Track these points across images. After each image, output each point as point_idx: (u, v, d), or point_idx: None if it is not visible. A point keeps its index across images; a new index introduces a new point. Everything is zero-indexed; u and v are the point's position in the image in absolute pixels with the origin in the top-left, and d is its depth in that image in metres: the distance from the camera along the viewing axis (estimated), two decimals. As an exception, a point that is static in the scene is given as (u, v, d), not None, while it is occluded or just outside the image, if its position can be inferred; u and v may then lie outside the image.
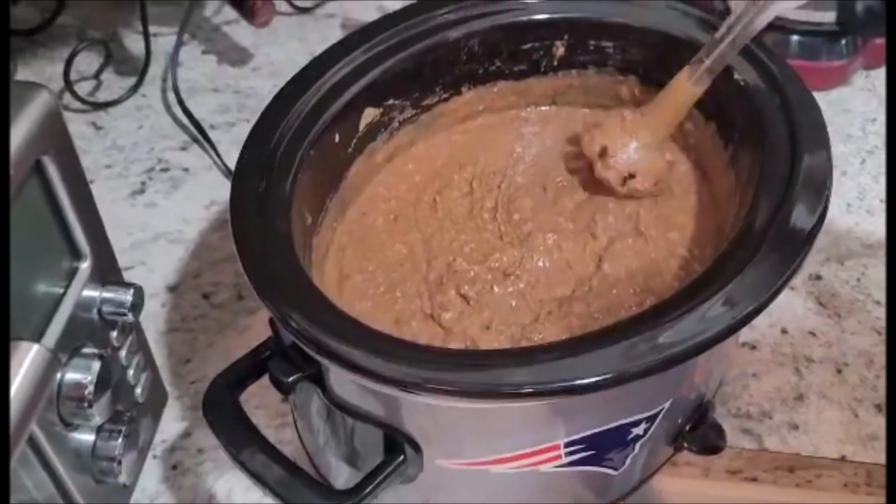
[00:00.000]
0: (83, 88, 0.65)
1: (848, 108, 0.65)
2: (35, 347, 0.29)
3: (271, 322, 0.39)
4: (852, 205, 0.59)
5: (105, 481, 0.38)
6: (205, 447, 0.47)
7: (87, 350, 0.35)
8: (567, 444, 0.37)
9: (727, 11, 0.63)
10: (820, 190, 0.38)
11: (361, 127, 0.45)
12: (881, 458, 0.46)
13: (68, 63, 0.61)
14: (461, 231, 0.45)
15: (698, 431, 0.42)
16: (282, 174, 0.39)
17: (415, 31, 0.46)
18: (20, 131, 0.30)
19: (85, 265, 0.36)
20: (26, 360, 0.29)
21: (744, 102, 0.43)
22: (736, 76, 0.43)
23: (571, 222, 0.44)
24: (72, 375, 0.33)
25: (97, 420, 0.35)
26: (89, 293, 0.36)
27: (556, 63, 0.49)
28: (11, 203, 0.29)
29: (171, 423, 0.47)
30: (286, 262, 0.36)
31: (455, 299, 0.41)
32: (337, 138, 0.43)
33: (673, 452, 0.44)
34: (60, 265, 0.35)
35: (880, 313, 0.53)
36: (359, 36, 0.45)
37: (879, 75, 0.67)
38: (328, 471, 0.43)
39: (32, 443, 0.33)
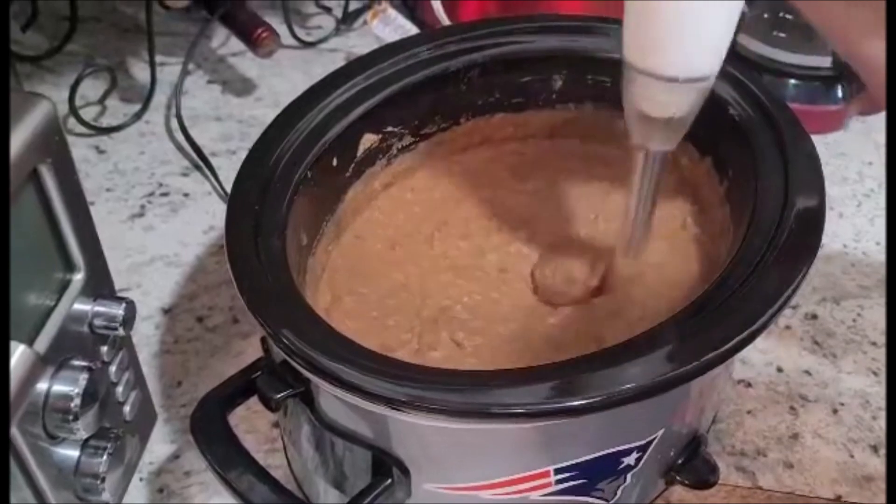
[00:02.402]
0: (88, 114, 0.65)
1: (844, 151, 0.65)
2: (21, 347, 0.29)
3: (262, 341, 0.39)
4: (848, 246, 0.59)
5: (87, 499, 0.37)
6: (192, 470, 0.46)
7: (75, 362, 0.34)
8: (557, 471, 0.36)
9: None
10: (813, 227, 0.38)
11: (360, 152, 0.45)
12: (876, 500, 0.45)
13: (74, 87, 0.62)
14: (459, 275, 0.44)
15: (690, 465, 0.41)
16: (279, 194, 0.40)
17: (415, 61, 0.46)
18: (18, 139, 0.30)
19: (78, 277, 0.35)
20: (12, 359, 0.28)
21: (739, 139, 0.43)
22: (731, 112, 0.44)
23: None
24: (59, 387, 0.33)
25: (82, 434, 0.34)
26: (81, 306, 0.36)
27: (554, 96, 0.49)
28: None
29: (160, 445, 0.47)
30: (279, 279, 0.36)
31: (447, 342, 0.41)
32: (335, 162, 0.44)
33: (665, 487, 0.44)
34: (53, 276, 0.35)
35: (876, 354, 0.52)
36: (360, 63, 0.46)
37: (875, 120, 0.68)
38: (317, 496, 0.42)
39: (15, 454, 0.32)
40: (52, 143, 0.32)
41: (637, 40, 0.34)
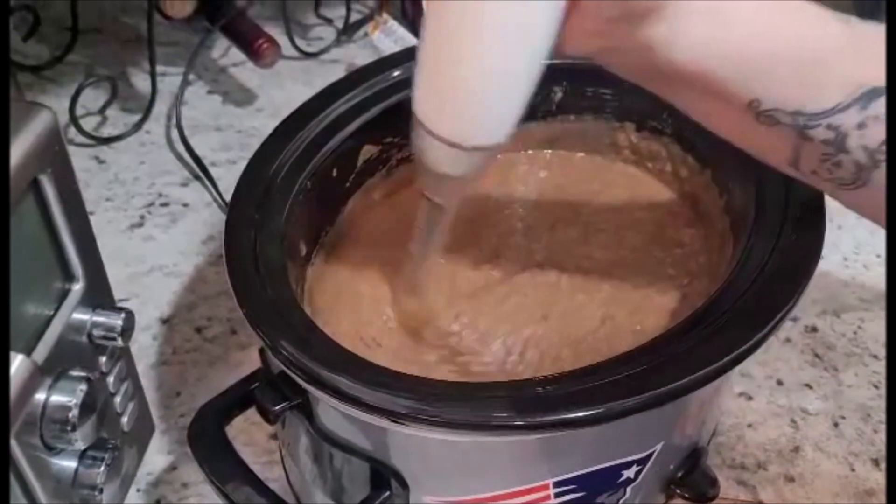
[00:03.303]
0: (88, 124, 0.66)
1: (844, 164, 0.65)
2: (19, 357, 0.29)
3: (261, 352, 0.39)
4: (848, 258, 0.59)
5: (85, 510, 0.37)
6: (190, 482, 0.46)
7: (74, 373, 0.34)
8: (556, 485, 0.36)
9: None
10: (812, 239, 0.38)
11: (359, 163, 0.45)
12: (878, 514, 0.45)
13: (74, 98, 0.62)
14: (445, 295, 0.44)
15: (690, 478, 0.41)
16: (278, 204, 0.40)
17: (416, 72, 0.46)
18: (19, 148, 0.30)
19: (77, 287, 0.35)
20: (10, 370, 0.28)
21: (738, 151, 0.43)
22: (731, 124, 0.44)
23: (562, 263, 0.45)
24: (57, 397, 0.33)
25: (80, 445, 0.34)
26: (80, 316, 0.36)
27: (554, 108, 0.49)
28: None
29: (157, 456, 0.47)
30: (278, 290, 0.36)
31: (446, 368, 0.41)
32: (335, 173, 0.44)
33: (665, 500, 0.43)
34: (52, 286, 0.35)
35: (877, 367, 0.52)
36: (361, 74, 0.46)
37: (875, 133, 0.68)
38: (314, 509, 0.42)
39: (14, 467, 0.32)
40: (53, 153, 0.32)
41: (426, 102, 0.33)
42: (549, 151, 0.51)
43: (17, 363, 0.29)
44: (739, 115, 0.31)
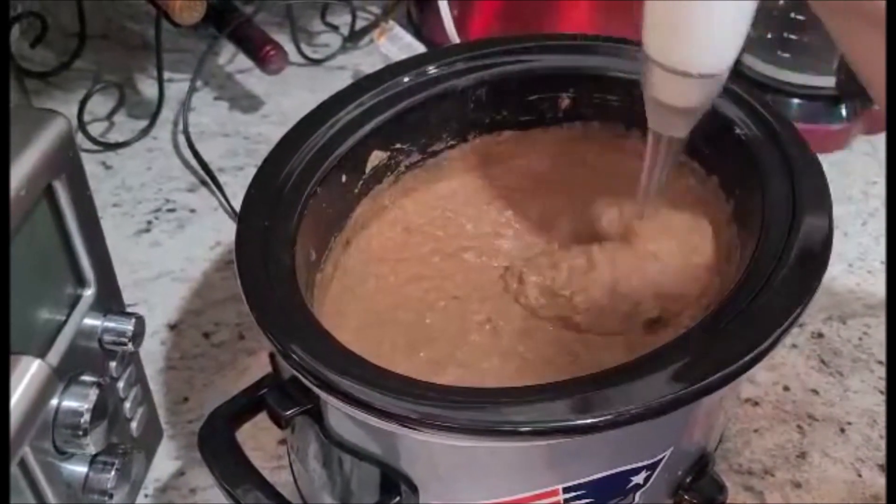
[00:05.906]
0: (95, 129, 0.66)
1: (848, 170, 0.66)
2: (37, 362, 0.29)
3: (271, 357, 0.39)
4: (854, 265, 0.59)
5: (95, 515, 0.37)
6: (198, 487, 0.46)
7: (85, 378, 0.34)
8: (566, 490, 0.36)
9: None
10: (820, 246, 0.38)
11: (368, 169, 0.45)
12: (885, 519, 0.45)
13: (82, 104, 0.63)
14: (455, 300, 0.44)
15: (698, 484, 0.41)
16: (288, 210, 0.40)
17: (424, 79, 0.47)
18: (34, 154, 0.30)
19: (88, 293, 0.36)
20: (28, 374, 0.28)
21: (745, 158, 0.44)
22: (737, 131, 0.44)
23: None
24: (69, 402, 0.33)
25: (91, 450, 0.34)
26: (91, 321, 0.36)
27: (561, 115, 0.49)
28: (21, 225, 0.30)
29: (165, 462, 0.47)
30: (288, 295, 0.36)
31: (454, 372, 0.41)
32: (343, 179, 0.44)
33: (673, 506, 0.43)
34: (64, 291, 0.35)
35: (882, 373, 0.52)
36: (369, 81, 0.46)
37: (880, 140, 0.68)
38: (322, 514, 0.42)
39: (25, 470, 0.32)
40: (67, 158, 0.32)
41: (654, 36, 0.36)
42: (557, 157, 0.51)
43: (35, 368, 0.29)
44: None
